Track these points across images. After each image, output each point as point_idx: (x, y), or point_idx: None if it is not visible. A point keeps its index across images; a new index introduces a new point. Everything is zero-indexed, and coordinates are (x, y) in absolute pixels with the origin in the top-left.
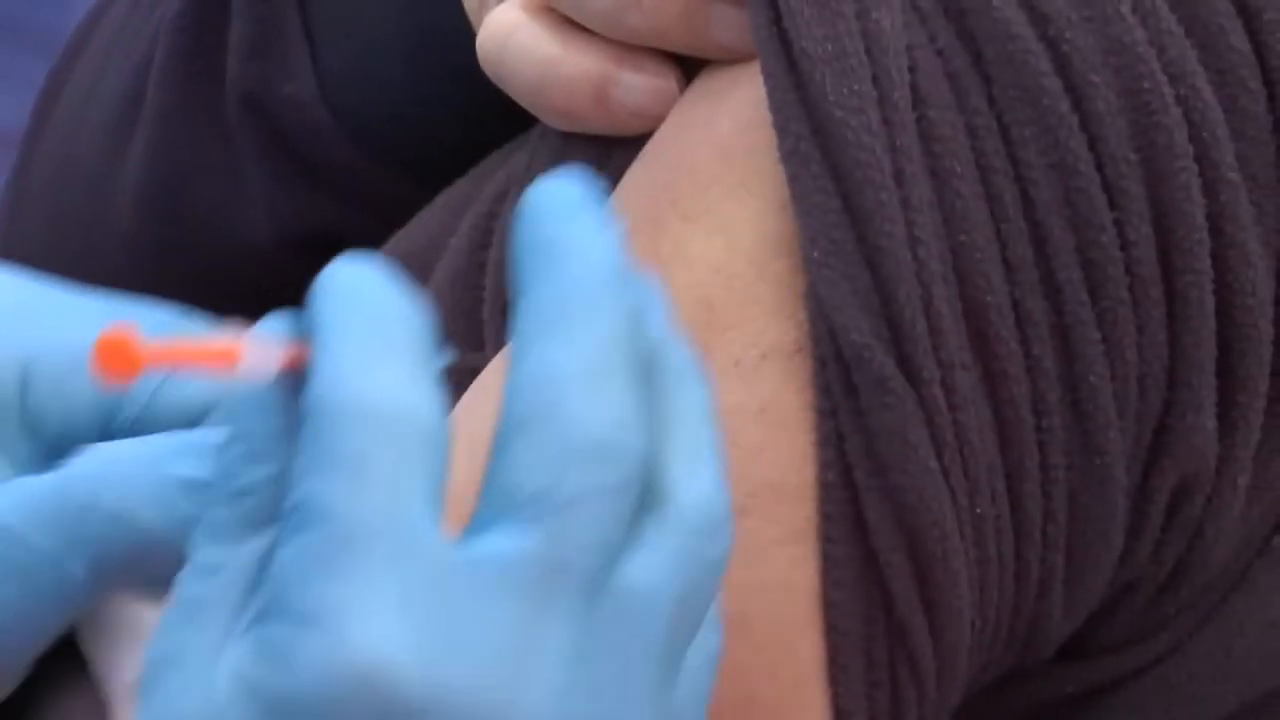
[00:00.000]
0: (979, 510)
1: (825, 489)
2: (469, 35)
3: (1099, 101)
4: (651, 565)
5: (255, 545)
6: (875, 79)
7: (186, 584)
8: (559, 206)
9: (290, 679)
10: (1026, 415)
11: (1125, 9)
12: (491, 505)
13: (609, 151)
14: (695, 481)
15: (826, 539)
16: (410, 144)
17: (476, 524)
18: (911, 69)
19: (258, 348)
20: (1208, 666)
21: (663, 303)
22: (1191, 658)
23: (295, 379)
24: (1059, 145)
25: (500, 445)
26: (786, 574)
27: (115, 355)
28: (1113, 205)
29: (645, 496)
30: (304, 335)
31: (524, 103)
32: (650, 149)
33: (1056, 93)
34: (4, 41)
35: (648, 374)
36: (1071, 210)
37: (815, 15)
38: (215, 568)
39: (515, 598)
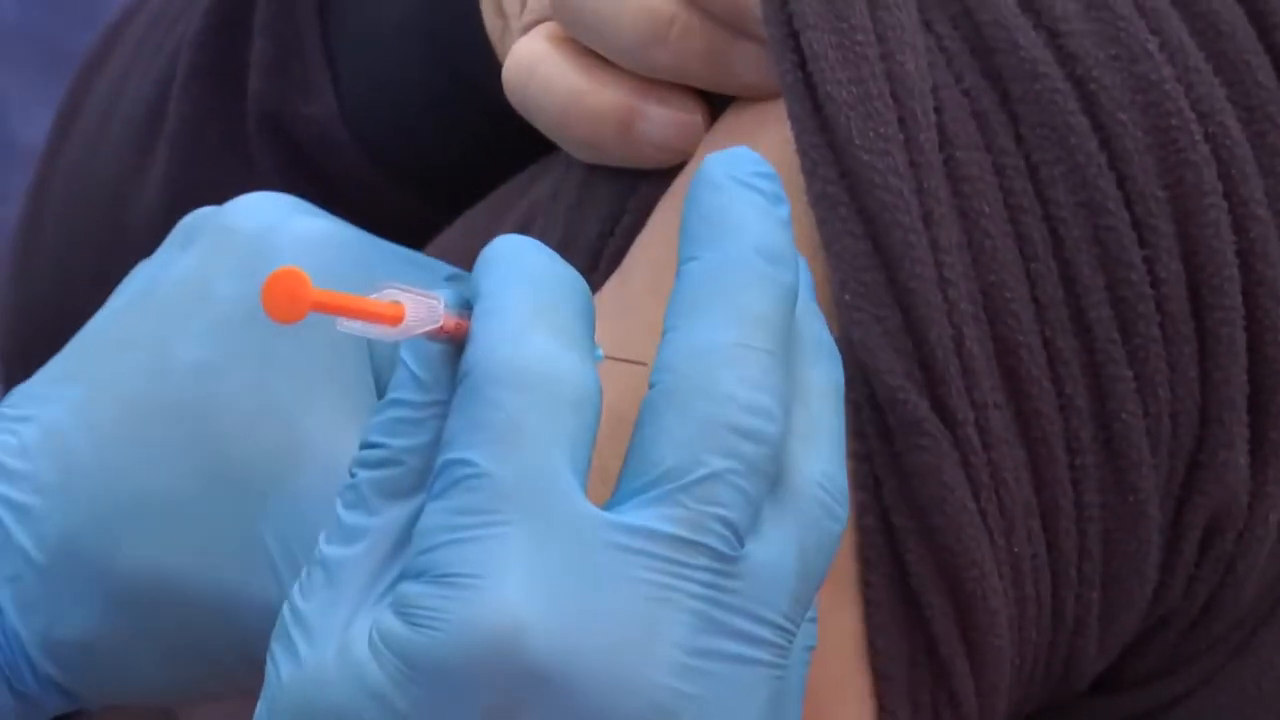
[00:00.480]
0: (1016, 549)
1: (863, 533)
2: (487, 54)
3: (1127, 140)
4: (773, 541)
5: (398, 513)
6: (901, 121)
7: (327, 547)
8: (730, 179)
9: (427, 637)
10: (1060, 454)
11: (1153, 47)
12: (634, 476)
13: (635, 184)
14: (814, 460)
15: (867, 584)
16: (428, 164)
17: (620, 494)
18: (938, 110)
19: (421, 308)
20: (1237, 700)
21: (810, 281)
22: (1221, 691)
23: (456, 348)
24: (1087, 184)
25: (648, 416)
26: (830, 620)
27: (283, 294)
28: (1142, 243)
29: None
30: (466, 305)
31: (548, 133)
32: (678, 186)
33: (1084, 131)
34: (40, 61)
35: (789, 350)
36: (1101, 249)
37: (840, 59)
38: (358, 532)
39: (650, 570)
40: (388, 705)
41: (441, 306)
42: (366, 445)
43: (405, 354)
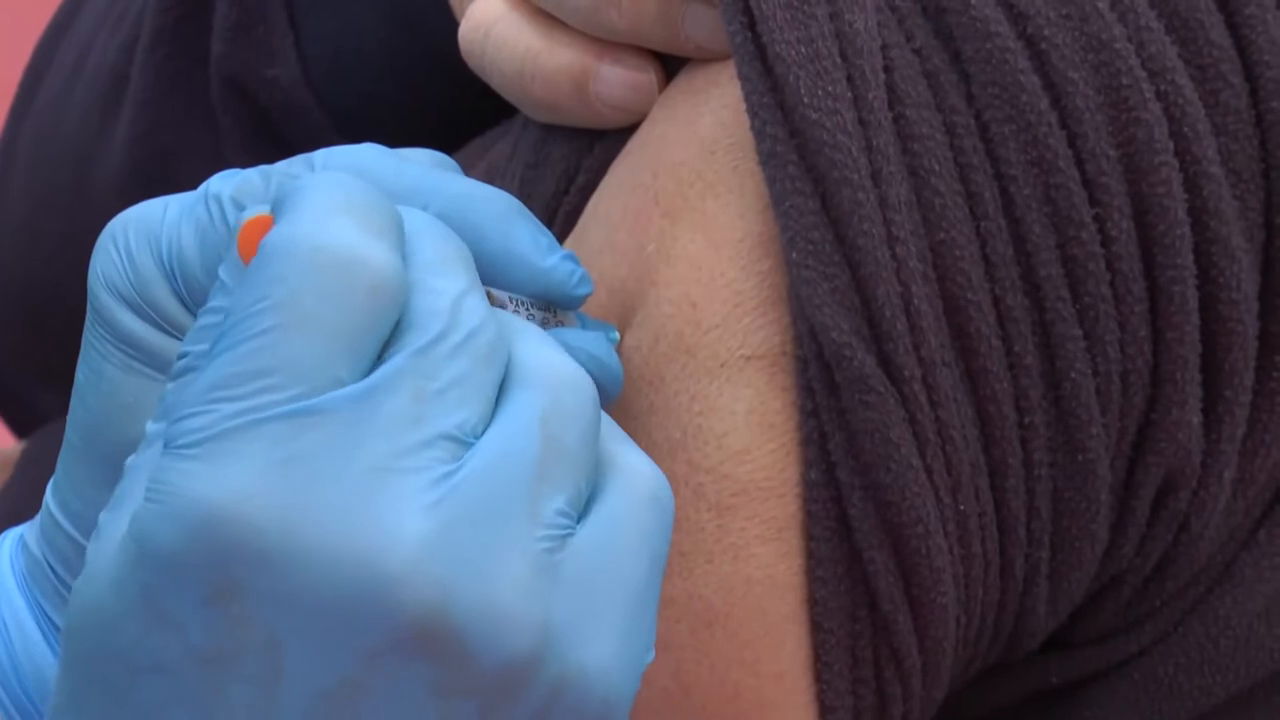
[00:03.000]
0: (962, 507)
1: (809, 487)
2: (449, 22)
3: (1078, 98)
4: (508, 422)
5: None
6: (850, 80)
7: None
8: None
9: (155, 512)
10: (1009, 412)
11: (1103, 6)
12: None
13: (590, 144)
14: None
15: (810, 537)
16: (391, 128)
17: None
18: (888, 69)
19: None
20: (1194, 659)
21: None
22: (1178, 650)
23: None
24: (1038, 142)
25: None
26: (770, 571)
27: (257, 239)
28: (1093, 201)
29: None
30: None
31: (505, 94)
32: (633, 146)
33: (1035, 90)
34: None
35: None
36: (1051, 207)
37: (789, 18)
38: (153, 438)
39: (379, 442)
40: (123, 592)
41: None
42: (180, 356)
43: (221, 269)
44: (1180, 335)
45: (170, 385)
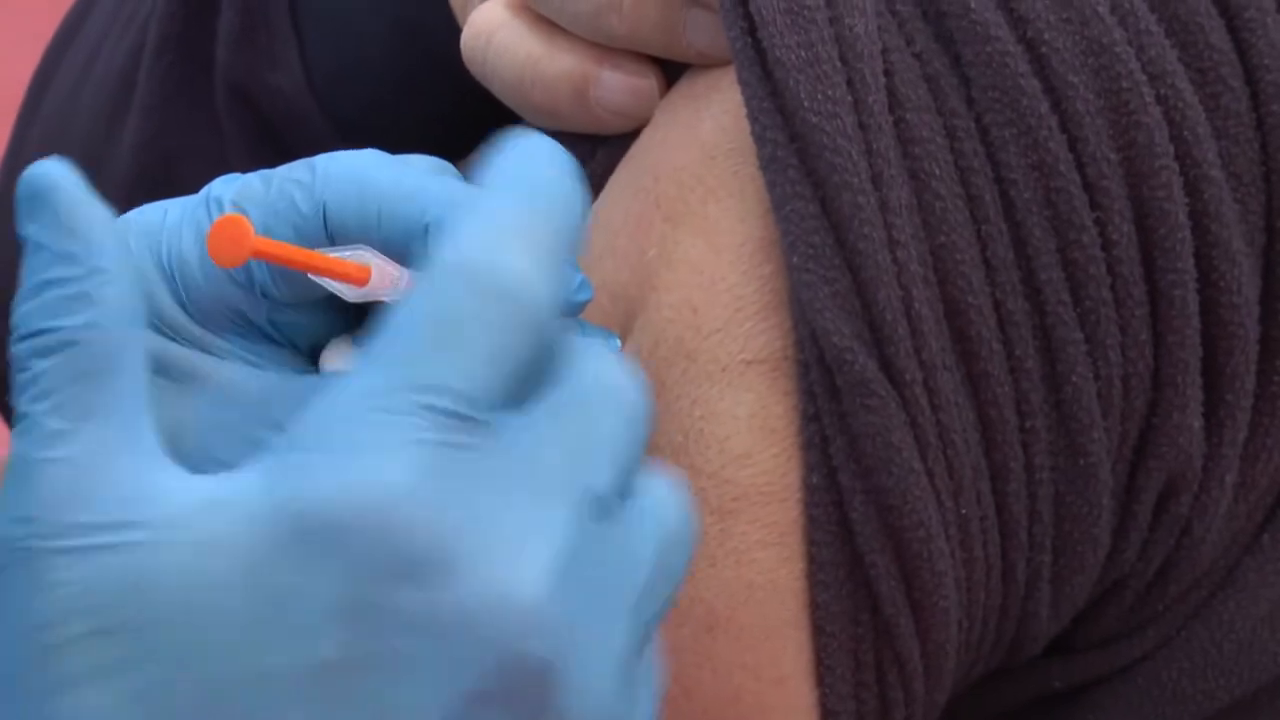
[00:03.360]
0: (964, 511)
1: (810, 491)
2: (453, 29)
3: (1078, 102)
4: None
5: (119, 388)
6: (850, 84)
7: (40, 450)
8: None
9: (305, 501)
10: (1010, 416)
11: (1104, 9)
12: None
13: (592, 150)
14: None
15: (811, 541)
16: (393, 135)
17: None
18: (888, 73)
19: (386, 276)
20: (1198, 663)
21: None
22: (1181, 655)
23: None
24: (1039, 146)
25: None
26: (772, 575)
27: (227, 240)
28: (1094, 205)
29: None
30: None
31: (506, 100)
32: (634, 151)
33: (1035, 94)
34: None
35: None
36: (1052, 211)
37: (788, 23)
38: (85, 412)
39: (532, 474)
40: (248, 585)
41: (405, 280)
42: (33, 333)
43: (37, 233)
44: (1181, 339)
45: (45, 364)
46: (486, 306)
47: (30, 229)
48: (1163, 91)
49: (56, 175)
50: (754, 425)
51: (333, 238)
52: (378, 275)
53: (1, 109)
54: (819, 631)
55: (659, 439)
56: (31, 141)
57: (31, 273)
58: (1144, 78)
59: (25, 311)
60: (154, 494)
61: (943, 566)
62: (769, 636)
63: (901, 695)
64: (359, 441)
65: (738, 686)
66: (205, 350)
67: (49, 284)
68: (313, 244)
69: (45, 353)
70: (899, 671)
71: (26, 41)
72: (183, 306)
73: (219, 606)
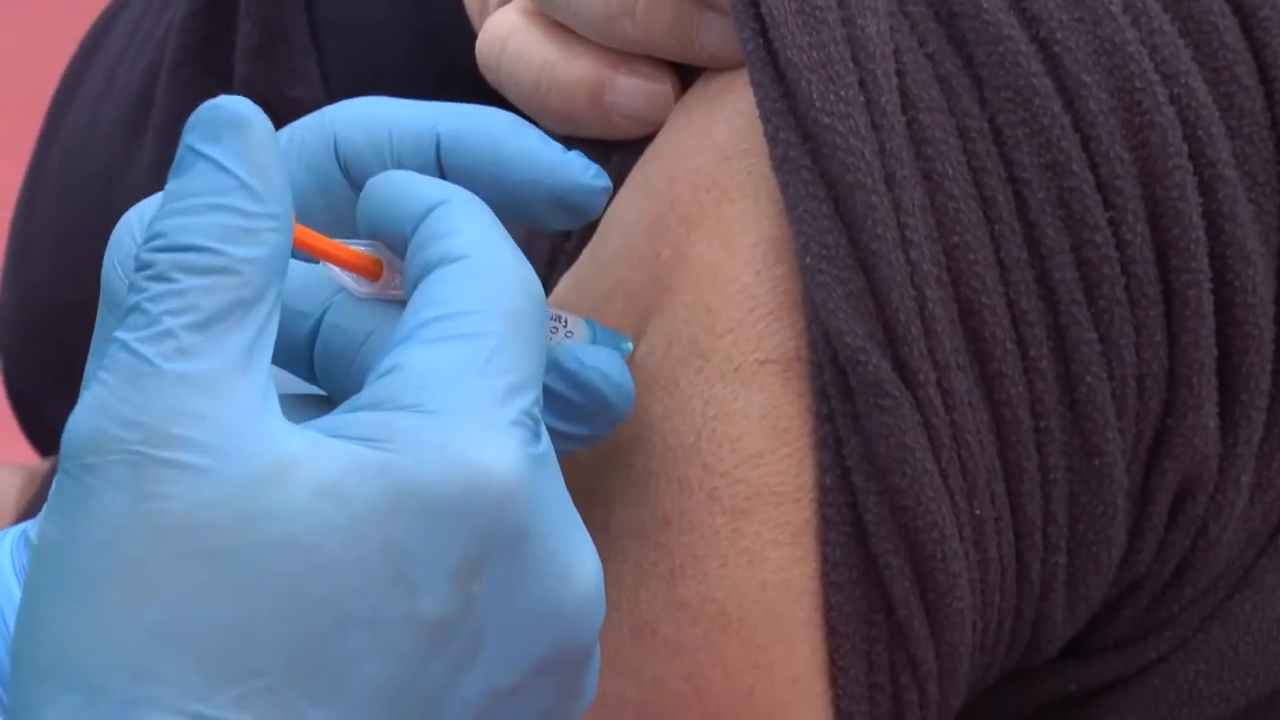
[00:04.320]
0: (978, 512)
1: (823, 492)
2: (470, 39)
3: (1091, 101)
4: None
5: (250, 326)
6: (862, 84)
7: (172, 363)
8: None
9: (421, 467)
10: (1024, 416)
11: (1116, 9)
12: None
13: (607, 155)
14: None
15: (825, 541)
16: None
17: None
18: (901, 73)
19: (395, 275)
20: (1215, 665)
21: None
22: (1198, 656)
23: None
24: (1052, 146)
25: None
26: (785, 575)
27: None
28: (1107, 205)
29: None
30: None
31: (522, 106)
32: (650, 154)
33: (1048, 93)
34: None
35: None
36: (1065, 210)
37: (800, 24)
38: (205, 347)
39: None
40: (360, 542)
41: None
42: (189, 248)
43: (225, 158)
44: (1196, 339)
45: (193, 281)
46: (537, 309)
47: (213, 150)
48: (1176, 91)
49: (252, 114)
50: (767, 425)
51: (346, 170)
52: (388, 273)
53: (3, 106)
54: (832, 632)
55: (671, 439)
56: (53, 159)
57: (200, 192)
58: (1157, 77)
59: (182, 224)
60: (270, 433)
61: (957, 567)
62: (782, 637)
63: (916, 697)
64: (477, 420)
65: (750, 686)
66: None
67: (222, 209)
68: (328, 180)
69: (199, 271)
70: (913, 673)
71: (33, 40)
72: None
73: (327, 550)
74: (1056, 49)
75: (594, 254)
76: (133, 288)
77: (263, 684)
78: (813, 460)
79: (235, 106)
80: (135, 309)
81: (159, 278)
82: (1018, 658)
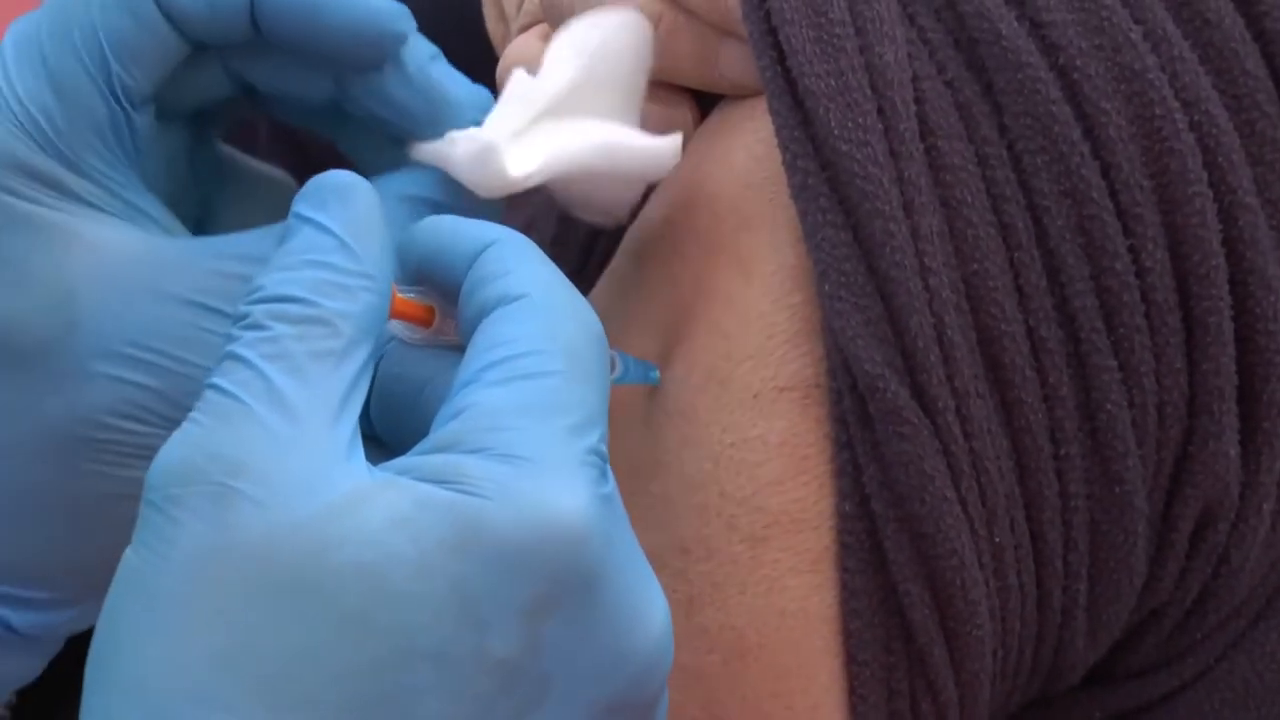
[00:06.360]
0: (998, 539)
1: (842, 519)
2: (492, 63)
3: (1110, 128)
4: None
5: (343, 375)
6: (881, 111)
7: (263, 406)
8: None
9: (494, 510)
10: (1044, 444)
11: (1136, 36)
12: None
13: None
14: None
15: (844, 569)
16: None
17: None
18: (919, 100)
19: (449, 324)
20: (1239, 693)
21: None
22: (1222, 685)
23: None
24: (1071, 173)
25: None
26: (804, 603)
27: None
28: (1127, 232)
29: None
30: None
31: None
32: (669, 180)
33: (1068, 120)
34: None
35: None
36: (1085, 238)
37: (818, 52)
38: (294, 394)
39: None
40: (429, 576)
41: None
42: (285, 299)
43: (327, 220)
44: (1216, 367)
45: (286, 329)
46: (597, 344)
47: (319, 215)
48: (1196, 118)
49: (357, 183)
50: (785, 452)
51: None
52: (440, 319)
53: None
54: (851, 660)
55: (689, 466)
56: None
57: (301, 250)
58: (1177, 104)
59: (280, 279)
60: (348, 471)
61: (976, 595)
62: (801, 665)
63: None
64: (548, 461)
65: (769, 714)
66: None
67: (320, 265)
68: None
69: (293, 320)
70: (933, 701)
71: None
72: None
73: (394, 580)
74: (1076, 76)
75: (615, 281)
76: (229, 337)
77: (321, 715)
78: (832, 487)
79: (341, 177)
80: (230, 356)
81: (254, 326)
82: (1040, 685)
